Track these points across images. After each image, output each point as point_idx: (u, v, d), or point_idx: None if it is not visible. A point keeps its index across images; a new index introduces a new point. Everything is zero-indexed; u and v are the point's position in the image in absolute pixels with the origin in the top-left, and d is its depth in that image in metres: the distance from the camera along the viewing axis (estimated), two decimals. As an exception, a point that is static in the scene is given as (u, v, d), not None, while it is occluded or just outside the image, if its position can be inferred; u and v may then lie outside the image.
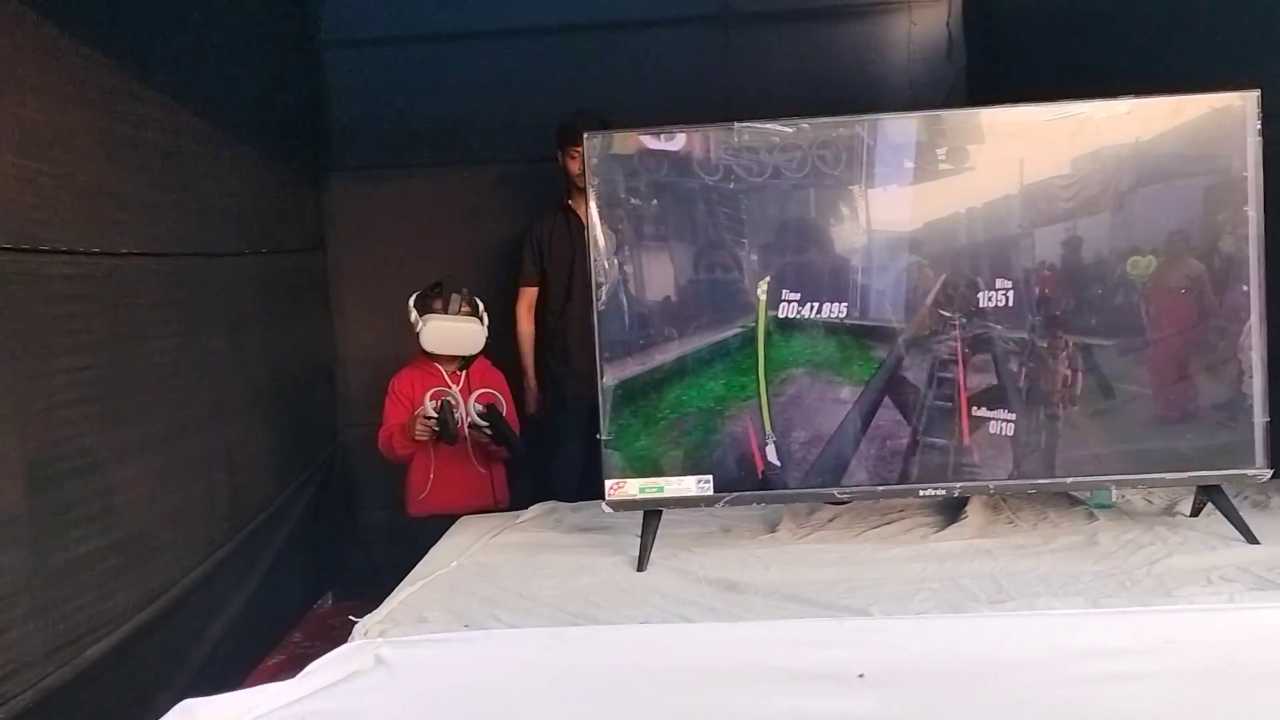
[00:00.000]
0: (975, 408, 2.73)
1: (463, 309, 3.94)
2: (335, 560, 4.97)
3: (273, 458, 4.25)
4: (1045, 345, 2.72)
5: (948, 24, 5.21)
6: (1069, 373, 2.72)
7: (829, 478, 2.75)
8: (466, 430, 3.96)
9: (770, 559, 2.72)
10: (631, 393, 2.72)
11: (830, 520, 3.04)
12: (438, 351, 3.95)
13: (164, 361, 3.31)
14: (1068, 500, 3.07)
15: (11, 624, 2.46)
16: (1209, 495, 2.77)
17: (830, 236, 2.78)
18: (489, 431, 3.91)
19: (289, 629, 4.42)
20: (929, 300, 2.73)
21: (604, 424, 2.71)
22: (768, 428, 2.72)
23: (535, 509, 3.33)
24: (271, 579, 4.11)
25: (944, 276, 2.73)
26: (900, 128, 2.77)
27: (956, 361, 2.73)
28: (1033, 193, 2.72)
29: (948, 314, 2.72)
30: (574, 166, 4.26)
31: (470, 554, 2.89)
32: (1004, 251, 2.73)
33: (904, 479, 2.75)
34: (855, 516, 3.04)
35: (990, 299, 2.72)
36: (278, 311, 4.46)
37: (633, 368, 2.72)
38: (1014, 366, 2.73)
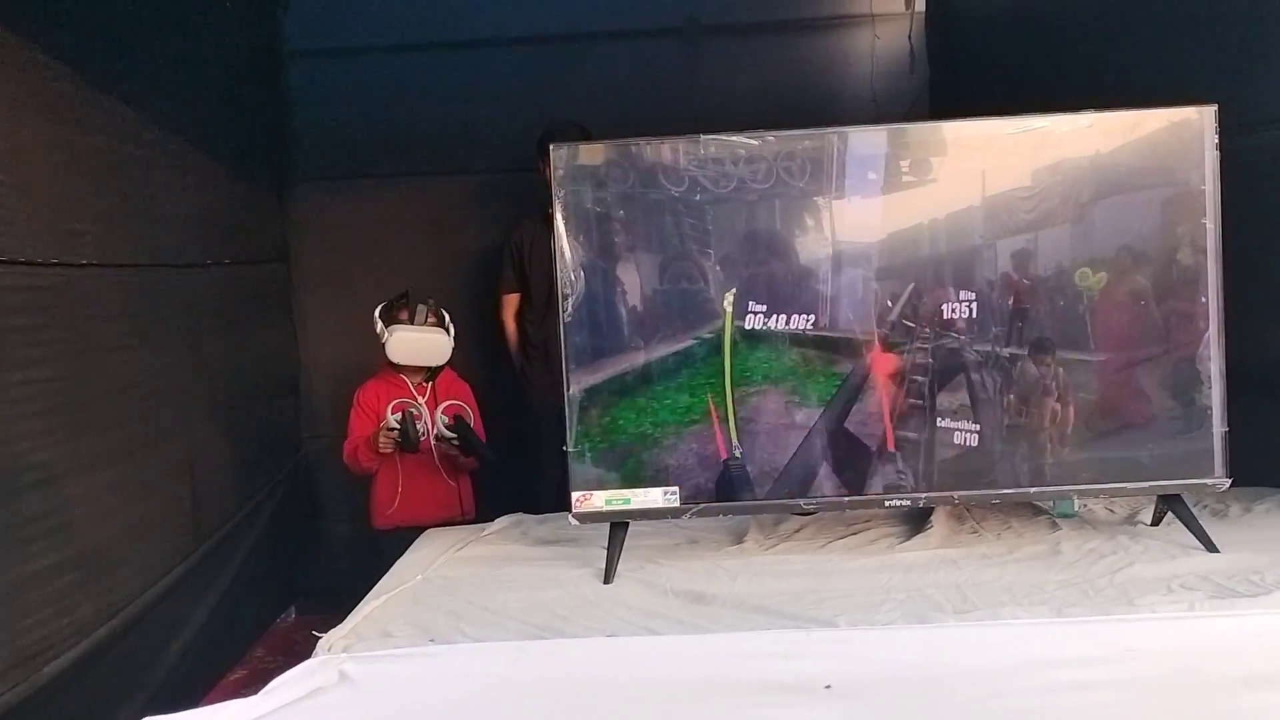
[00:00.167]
0: (940, 418, 2.74)
1: (428, 320, 3.92)
2: (299, 574, 4.93)
3: (235, 470, 4.21)
4: (1008, 356, 2.73)
5: (910, 38, 5.27)
6: (1032, 383, 2.73)
7: (795, 488, 2.75)
8: (432, 441, 3.94)
9: (737, 570, 2.71)
10: (597, 403, 2.71)
11: (797, 531, 3.04)
12: (403, 363, 3.93)
13: (124, 373, 3.27)
14: (1031, 510, 3.09)
15: (-34, 641, 2.43)
16: (1169, 504, 2.79)
17: (796, 248, 2.79)
18: (457, 443, 3.90)
19: (251, 643, 4.38)
20: (894, 312, 2.74)
21: (570, 435, 2.69)
22: (734, 439, 2.72)
23: (501, 521, 3.31)
24: (233, 593, 4.06)
25: (909, 288, 2.74)
26: (864, 140, 2.78)
27: (921, 372, 2.74)
28: (994, 204, 2.75)
29: (912, 325, 2.74)
30: None
31: (436, 567, 2.87)
32: (967, 263, 2.75)
33: (870, 489, 2.75)
34: (822, 527, 3.04)
35: (954, 310, 2.74)
36: (240, 322, 4.42)
37: (598, 378, 2.71)
38: (977, 377, 2.75)
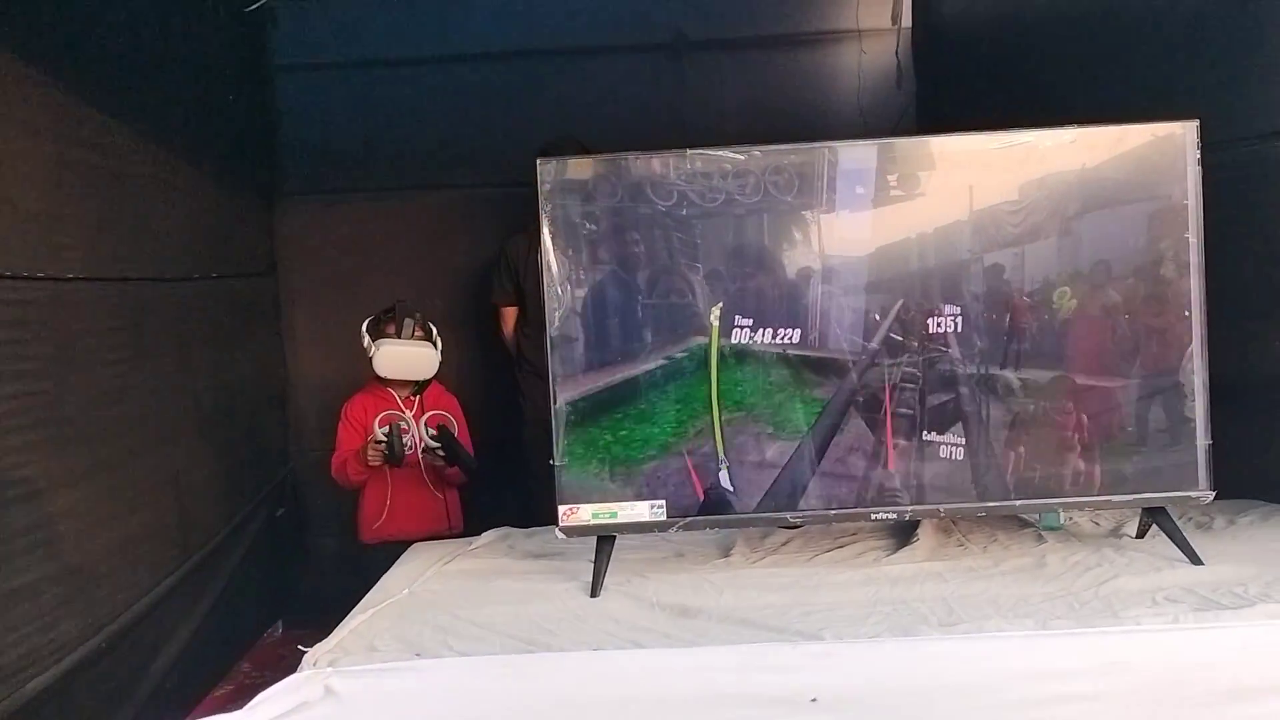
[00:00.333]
0: (926, 432, 2.75)
1: (416, 333, 3.92)
2: (286, 588, 4.91)
3: (222, 484, 4.19)
4: (994, 370, 2.75)
5: (897, 53, 5.30)
6: (1018, 397, 2.75)
7: (782, 502, 2.76)
8: (420, 454, 3.94)
9: (724, 584, 2.72)
10: (584, 417, 2.71)
11: (783, 544, 3.04)
12: (390, 376, 3.93)
13: (110, 387, 3.26)
14: (1017, 523, 3.10)
15: (-52, 657, 2.41)
16: (1154, 517, 2.80)
17: (783, 263, 2.80)
18: (442, 453, 3.90)
19: (238, 659, 4.36)
20: (882, 327, 2.75)
21: (556, 449, 2.70)
22: (721, 453, 2.72)
23: (488, 535, 3.31)
24: (220, 608, 4.04)
25: (897, 303, 2.75)
26: (852, 155, 2.79)
27: (907, 386, 2.75)
28: (982, 219, 2.76)
29: (900, 339, 2.75)
30: None
31: (422, 581, 2.86)
32: (954, 277, 2.76)
33: (856, 503, 2.76)
34: (808, 541, 3.05)
35: (940, 324, 2.75)
36: (228, 336, 4.42)
37: (585, 392, 2.71)
38: (964, 391, 2.76)
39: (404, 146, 5.12)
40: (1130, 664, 2.17)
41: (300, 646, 2.38)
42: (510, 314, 4.61)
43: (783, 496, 2.75)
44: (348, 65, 5.13)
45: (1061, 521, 3.06)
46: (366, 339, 3.92)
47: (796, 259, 2.79)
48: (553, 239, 2.72)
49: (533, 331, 4.45)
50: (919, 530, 3.02)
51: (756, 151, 2.75)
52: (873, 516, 2.78)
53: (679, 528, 2.74)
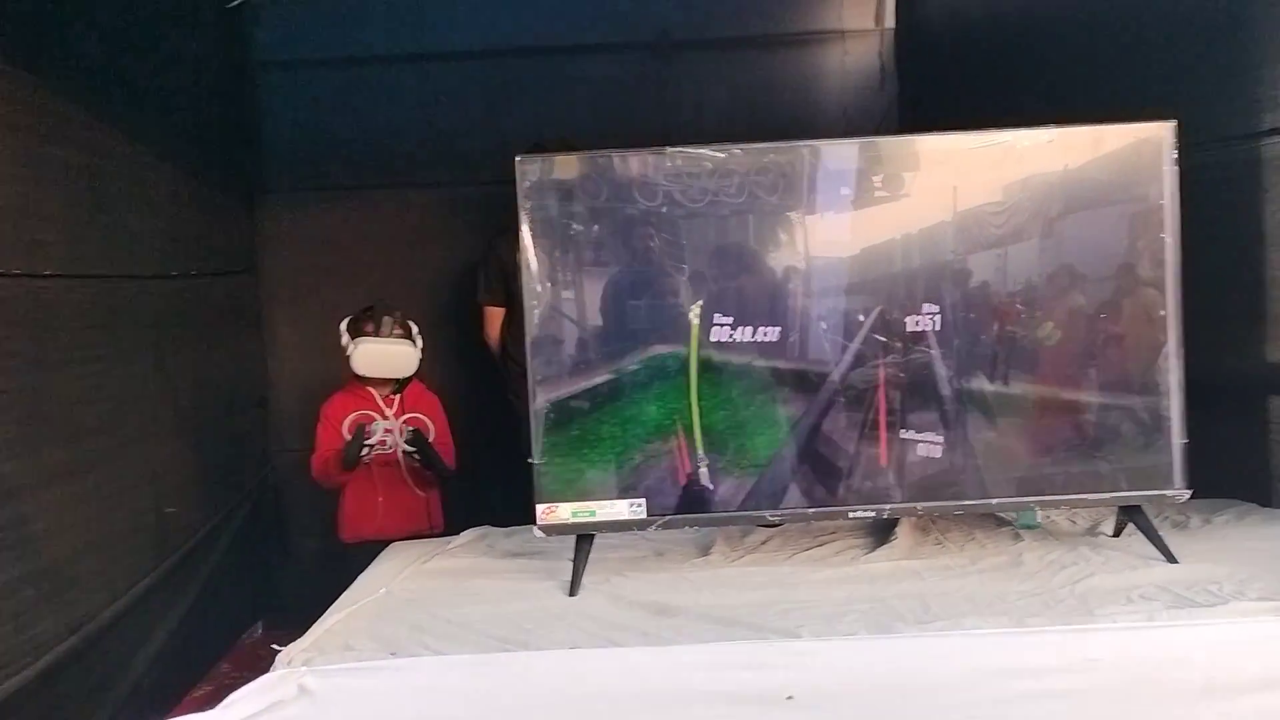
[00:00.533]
0: (905, 430, 2.76)
1: (395, 331, 3.91)
2: (266, 588, 4.90)
3: (201, 484, 4.18)
4: (972, 369, 2.75)
5: (880, 54, 5.32)
6: (996, 396, 2.75)
7: (761, 501, 2.76)
8: (400, 455, 3.93)
9: (702, 582, 2.72)
10: (563, 416, 2.71)
11: (763, 543, 3.04)
12: (369, 375, 3.92)
13: (87, 385, 3.25)
14: (994, 521, 3.11)
15: (-77, 656, 2.40)
16: (1130, 516, 2.82)
17: (764, 261, 2.79)
18: (417, 457, 3.90)
19: (217, 659, 4.34)
20: (862, 326, 2.75)
21: (535, 447, 2.69)
22: (700, 451, 2.72)
23: (467, 534, 3.30)
24: (199, 608, 4.03)
25: (877, 303, 2.75)
26: (834, 154, 2.80)
27: (887, 386, 2.76)
28: (964, 219, 2.76)
29: (880, 339, 2.75)
30: None
31: (400, 580, 2.85)
32: (935, 277, 2.76)
33: (835, 501, 2.76)
34: (787, 539, 3.05)
35: (919, 324, 2.76)
36: (207, 335, 4.40)
37: (564, 391, 2.71)
38: (942, 390, 2.76)
39: (386, 144, 5.11)
40: (1104, 661, 2.18)
41: (274, 645, 2.37)
42: (497, 314, 4.59)
43: (762, 495, 2.75)
44: (330, 62, 5.12)
45: (1039, 520, 3.07)
46: (345, 337, 3.90)
47: (777, 258, 2.79)
48: (532, 238, 2.72)
49: (521, 332, 4.43)
50: (897, 529, 3.02)
51: (737, 149, 2.75)
52: (850, 515, 2.79)
53: (658, 526, 2.74)
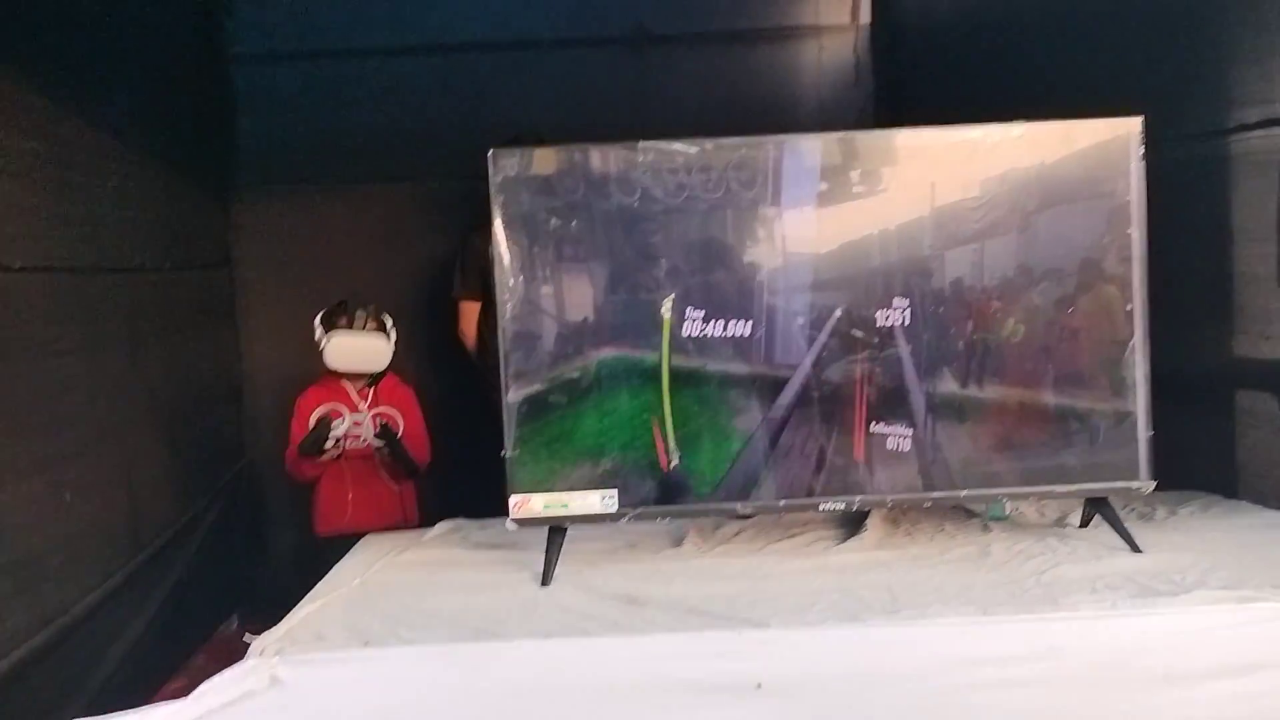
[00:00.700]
0: (874, 423, 2.79)
1: (368, 325, 3.91)
2: (242, 582, 4.87)
3: (175, 478, 4.16)
4: (941, 363, 2.78)
5: (855, 50, 5.34)
6: (964, 389, 2.78)
7: (733, 493, 2.78)
8: (372, 447, 3.93)
9: (674, 573, 2.74)
10: (536, 409, 2.73)
11: (735, 535, 3.07)
12: (341, 369, 3.92)
13: (58, 379, 3.22)
14: (964, 513, 3.15)
15: (-109, 649, 2.39)
16: (1096, 507, 2.86)
17: (735, 255, 2.81)
18: (386, 450, 3.91)
19: (192, 652, 4.32)
20: (833, 320, 2.78)
21: (508, 440, 2.71)
22: (672, 444, 2.74)
23: (441, 526, 3.32)
24: (174, 601, 4.01)
25: (847, 297, 2.78)
26: (806, 147, 2.82)
27: (858, 379, 2.78)
28: (937, 215, 2.78)
29: (851, 333, 2.78)
30: None
31: (373, 571, 2.87)
32: (905, 272, 2.79)
33: (806, 494, 2.79)
34: (760, 531, 3.08)
35: (889, 318, 2.78)
36: (182, 329, 4.38)
37: (537, 384, 2.73)
38: (911, 383, 2.79)
39: (362, 138, 5.09)
40: (1068, 649, 2.22)
41: (247, 636, 2.37)
42: (472, 309, 4.57)
43: (734, 487, 2.78)
44: (305, 55, 5.09)
45: (1007, 512, 3.11)
46: (319, 331, 3.90)
47: (750, 252, 2.81)
48: (505, 231, 2.73)
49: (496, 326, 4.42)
50: (868, 521, 3.05)
51: (709, 144, 2.77)
52: (821, 507, 2.81)
53: (630, 518, 2.76)
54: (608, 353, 2.76)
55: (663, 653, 2.24)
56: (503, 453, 2.72)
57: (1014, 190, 2.79)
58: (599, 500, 2.74)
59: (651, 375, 2.75)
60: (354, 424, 3.93)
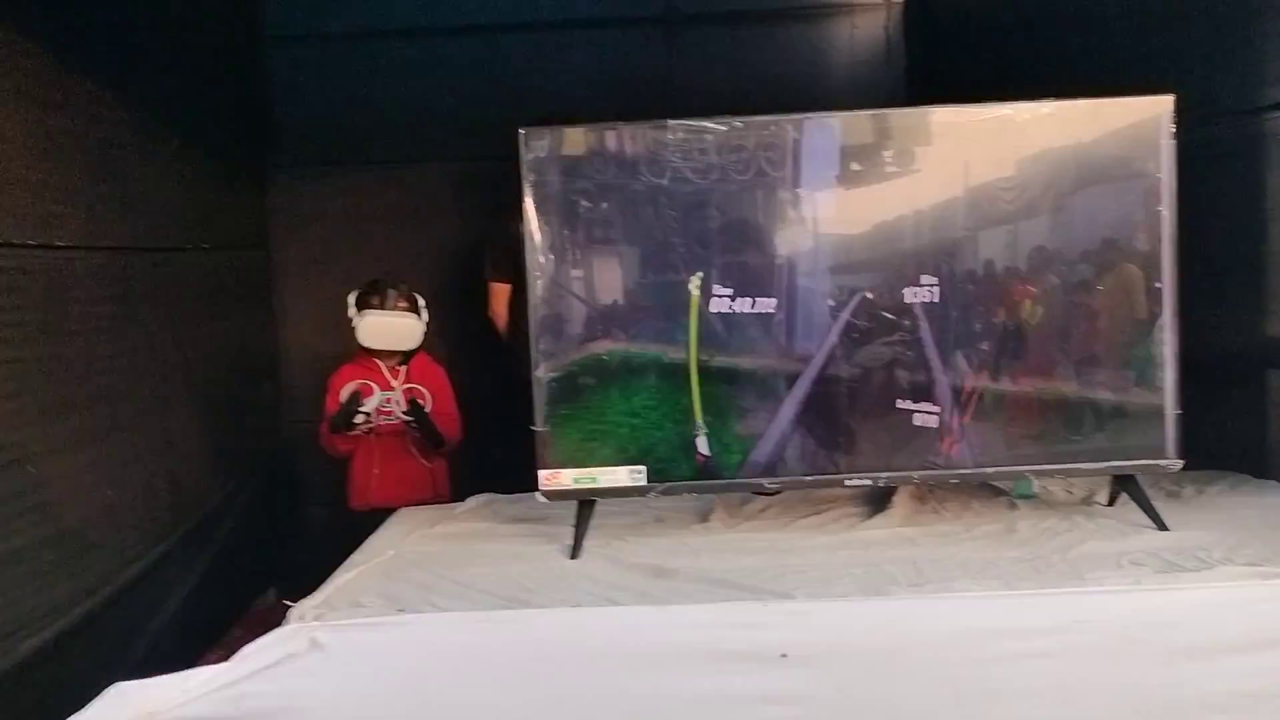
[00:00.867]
0: (901, 400, 2.80)
1: (399, 304, 3.97)
2: (279, 556, 4.97)
3: (214, 453, 4.25)
4: (969, 341, 2.79)
5: (886, 28, 5.32)
6: (992, 366, 2.79)
7: (760, 469, 2.81)
8: (402, 421, 4.00)
9: (701, 547, 2.78)
10: (565, 386, 2.76)
11: (761, 511, 3.10)
12: (372, 346, 3.99)
13: (101, 355, 3.30)
14: (991, 491, 3.16)
15: (-58, 616, 2.47)
16: (1123, 485, 2.86)
17: (764, 234, 2.83)
18: (416, 427, 3.97)
19: (230, 624, 4.41)
20: (861, 299, 2.79)
21: (538, 415, 2.75)
22: (699, 419, 2.77)
23: (473, 500, 3.37)
24: (213, 574, 4.10)
25: (876, 275, 2.79)
26: (828, 126, 2.82)
27: (885, 357, 2.80)
28: (971, 194, 2.78)
29: (879, 312, 2.79)
30: None
31: (408, 543, 2.93)
32: (935, 251, 2.80)
33: (831, 470, 2.81)
34: (786, 507, 3.11)
35: (917, 296, 2.79)
36: (220, 307, 4.46)
37: (567, 360, 2.76)
38: (939, 361, 2.80)
39: (396, 119, 5.14)
40: (1091, 623, 2.24)
41: (286, 601, 2.44)
42: (503, 291, 4.60)
43: (760, 463, 2.81)
44: (340, 37, 5.15)
45: (1035, 490, 3.12)
46: (352, 309, 3.97)
47: (780, 231, 2.81)
48: (535, 210, 2.77)
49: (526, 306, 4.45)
50: (894, 498, 3.07)
51: (738, 123, 2.79)
52: (846, 483, 2.83)
53: (658, 493, 2.80)
54: (635, 329, 2.79)
55: (689, 622, 2.28)
56: (533, 427, 2.76)
57: (1049, 170, 2.79)
58: (627, 475, 2.78)
59: (680, 352, 2.78)
60: (385, 400, 3.99)
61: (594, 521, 2.80)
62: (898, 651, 2.21)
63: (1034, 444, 2.82)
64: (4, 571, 2.72)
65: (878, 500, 3.11)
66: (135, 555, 3.47)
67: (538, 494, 2.78)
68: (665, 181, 2.78)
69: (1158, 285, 2.78)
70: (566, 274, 2.79)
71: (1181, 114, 2.78)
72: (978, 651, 2.19)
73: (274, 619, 2.43)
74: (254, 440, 4.84)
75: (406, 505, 3.53)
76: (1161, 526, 2.74)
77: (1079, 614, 2.26)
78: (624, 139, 2.80)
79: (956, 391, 2.80)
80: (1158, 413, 2.79)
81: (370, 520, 3.54)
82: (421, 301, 4.06)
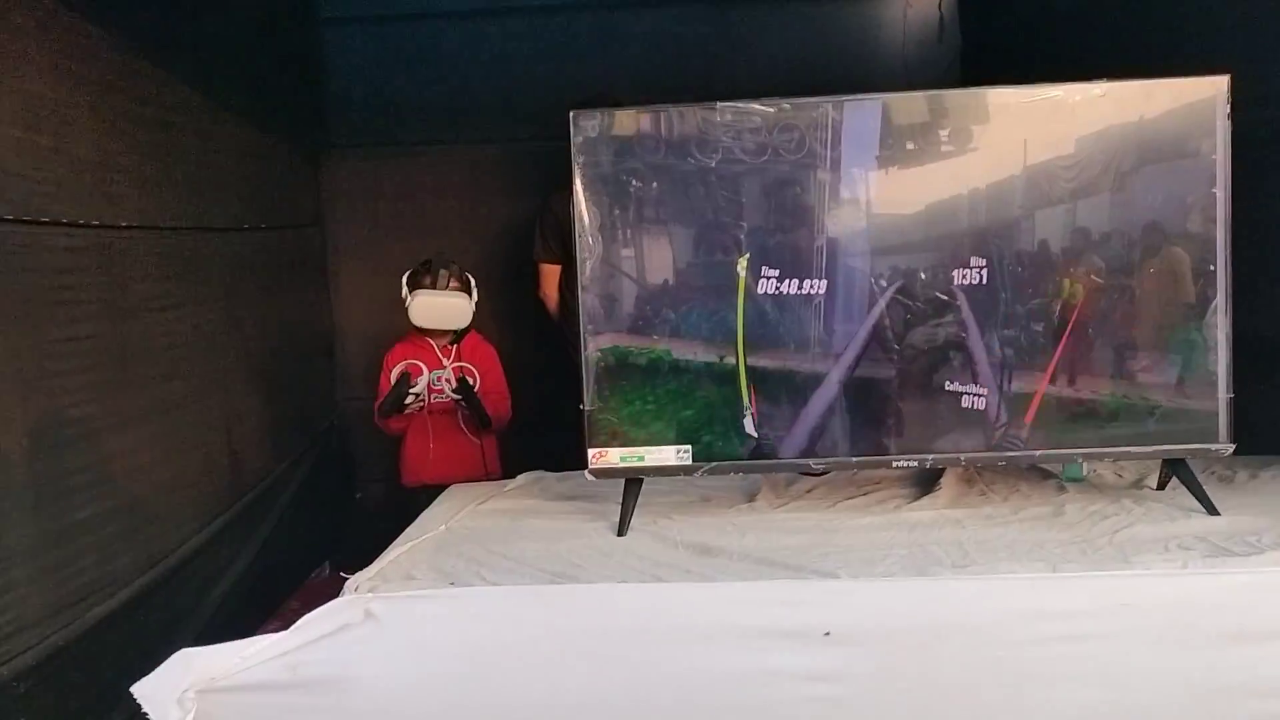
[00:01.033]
0: (950, 382, 2.80)
1: (451, 284, 4.03)
2: (333, 531, 5.07)
3: (271, 429, 4.34)
4: (1018, 322, 2.78)
5: (940, 6, 5.27)
6: (1041, 348, 2.78)
7: (806, 449, 2.82)
8: (451, 399, 4.06)
9: (746, 526, 2.80)
10: (614, 364, 2.79)
11: (808, 491, 3.11)
12: (424, 325, 4.05)
13: (161, 333, 3.39)
14: (1040, 474, 3.15)
15: (12, 585, 2.55)
16: (1173, 469, 2.84)
17: (813, 215, 2.82)
18: (464, 404, 4.03)
19: (287, 597, 4.52)
20: (912, 279, 2.79)
21: (586, 394, 2.78)
22: (746, 400, 2.79)
23: (522, 478, 3.42)
24: (270, 548, 4.20)
25: (927, 255, 2.78)
26: (871, 109, 2.80)
27: (934, 339, 2.79)
28: (1033, 173, 2.75)
29: (929, 293, 2.78)
30: None
31: (459, 518, 2.98)
32: (988, 232, 2.78)
33: (878, 451, 2.82)
34: (832, 488, 3.12)
35: (965, 277, 2.78)
36: (276, 286, 4.55)
37: (615, 340, 2.79)
38: (987, 342, 2.79)
39: (449, 100, 5.20)
40: (1136, 606, 2.23)
41: (342, 574, 2.50)
42: (553, 272, 4.63)
43: (807, 444, 2.81)
44: (392, 18, 5.20)
45: (1084, 473, 3.10)
46: (405, 289, 4.03)
47: (830, 212, 2.80)
48: (585, 191, 2.79)
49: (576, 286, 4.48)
50: (942, 480, 3.07)
51: (787, 103, 2.79)
52: (895, 465, 2.84)
53: (704, 472, 2.82)
54: (682, 309, 2.81)
55: (733, 599, 2.30)
56: (581, 406, 2.80)
57: (1108, 149, 2.76)
58: (674, 454, 2.81)
59: (726, 331, 2.80)
60: (436, 379, 4.06)
61: (641, 500, 2.83)
62: (941, 631, 2.22)
63: (1083, 426, 2.80)
64: (69, 542, 2.81)
65: (925, 482, 3.11)
66: (196, 528, 3.57)
67: (586, 472, 2.81)
68: (714, 162, 2.79)
69: (1211, 268, 2.75)
70: (616, 254, 2.81)
71: (1238, 94, 2.73)
72: (1021, 633, 2.20)
73: (330, 591, 2.50)
74: (310, 415, 4.94)
75: (457, 482, 3.60)
76: (1212, 511, 2.71)
77: (1125, 597, 2.25)
78: (673, 120, 2.81)
79: (1005, 373, 2.79)
80: (1211, 396, 2.76)
81: (421, 495, 3.62)
82: (473, 281, 4.11)
